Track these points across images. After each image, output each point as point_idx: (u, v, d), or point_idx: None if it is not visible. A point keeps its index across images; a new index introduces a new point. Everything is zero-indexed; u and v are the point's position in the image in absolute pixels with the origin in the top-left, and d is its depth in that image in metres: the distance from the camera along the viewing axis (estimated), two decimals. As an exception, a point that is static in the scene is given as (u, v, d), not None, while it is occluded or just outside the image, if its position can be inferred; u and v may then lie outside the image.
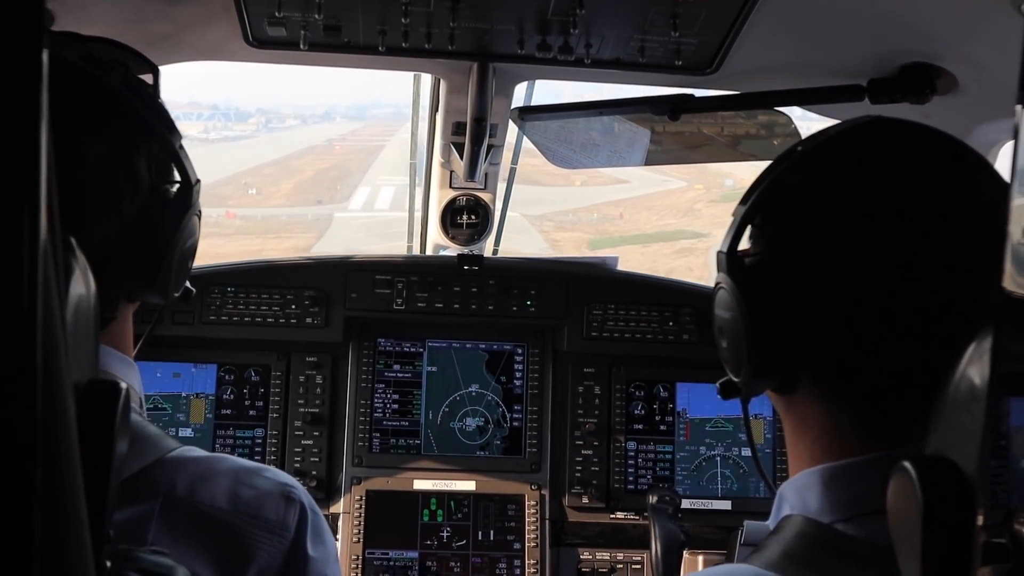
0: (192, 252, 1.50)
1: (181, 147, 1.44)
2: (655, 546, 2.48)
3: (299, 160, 45.89)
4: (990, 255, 1.03)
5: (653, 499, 2.61)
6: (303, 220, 33.55)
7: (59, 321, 0.68)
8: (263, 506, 1.38)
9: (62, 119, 1.30)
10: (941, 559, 0.83)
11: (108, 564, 0.93)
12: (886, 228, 1.14)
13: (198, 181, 1.46)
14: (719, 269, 1.27)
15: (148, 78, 1.50)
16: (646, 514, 3.07)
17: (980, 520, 0.79)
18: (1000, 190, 1.13)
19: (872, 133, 1.23)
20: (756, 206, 1.24)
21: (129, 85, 1.40)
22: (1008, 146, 1.89)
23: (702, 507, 3.10)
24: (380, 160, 45.38)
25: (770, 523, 1.27)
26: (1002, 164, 2.38)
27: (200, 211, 1.50)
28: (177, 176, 1.44)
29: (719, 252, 1.27)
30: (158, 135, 1.40)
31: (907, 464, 0.86)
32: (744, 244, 1.28)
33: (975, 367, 0.87)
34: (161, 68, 1.60)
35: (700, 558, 2.82)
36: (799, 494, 1.21)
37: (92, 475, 0.79)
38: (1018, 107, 0.73)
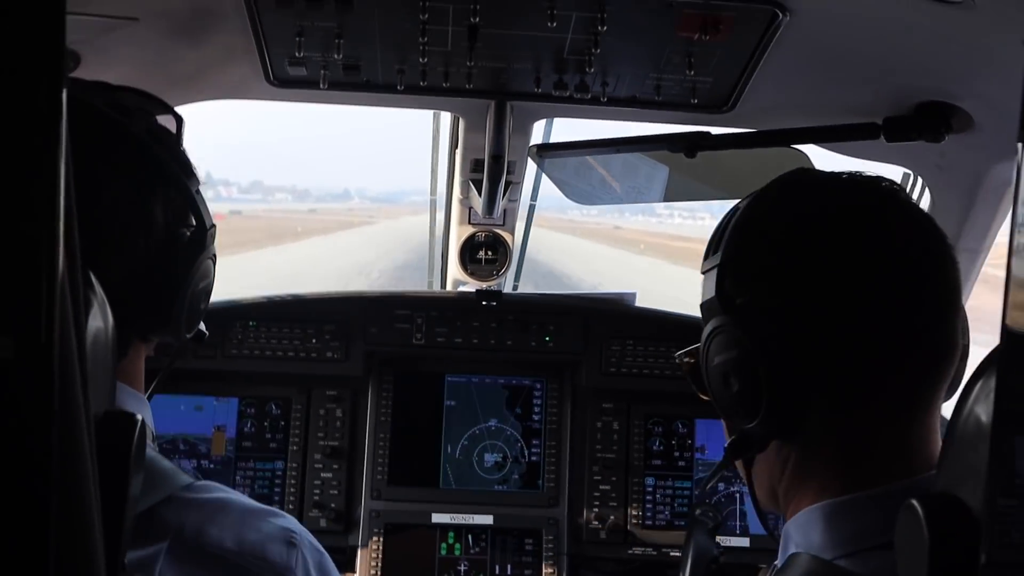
0: (206, 294, 1.53)
1: (198, 192, 1.47)
2: (688, 555, 2.43)
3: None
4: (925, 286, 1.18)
5: (696, 511, 2.58)
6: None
7: (75, 354, 0.69)
8: (267, 548, 1.40)
9: (84, 160, 1.34)
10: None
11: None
12: (841, 274, 1.21)
13: (213, 225, 1.49)
14: (712, 315, 1.27)
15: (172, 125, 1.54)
16: (666, 550, 3.06)
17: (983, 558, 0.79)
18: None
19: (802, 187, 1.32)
20: (729, 256, 1.27)
21: (151, 130, 1.44)
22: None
23: (721, 543, 3.08)
24: (297, 247, 36.46)
25: (778, 562, 1.27)
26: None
27: (215, 255, 1.53)
28: (193, 220, 1.47)
29: (707, 301, 1.28)
30: (175, 180, 1.44)
31: (915, 502, 0.87)
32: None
33: (982, 405, 0.87)
34: (186, 110, 1.63)
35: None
36: (802, 531, 1.22)
37: (108, 506, 0.81)
38: (1019, 145, 0.74)
